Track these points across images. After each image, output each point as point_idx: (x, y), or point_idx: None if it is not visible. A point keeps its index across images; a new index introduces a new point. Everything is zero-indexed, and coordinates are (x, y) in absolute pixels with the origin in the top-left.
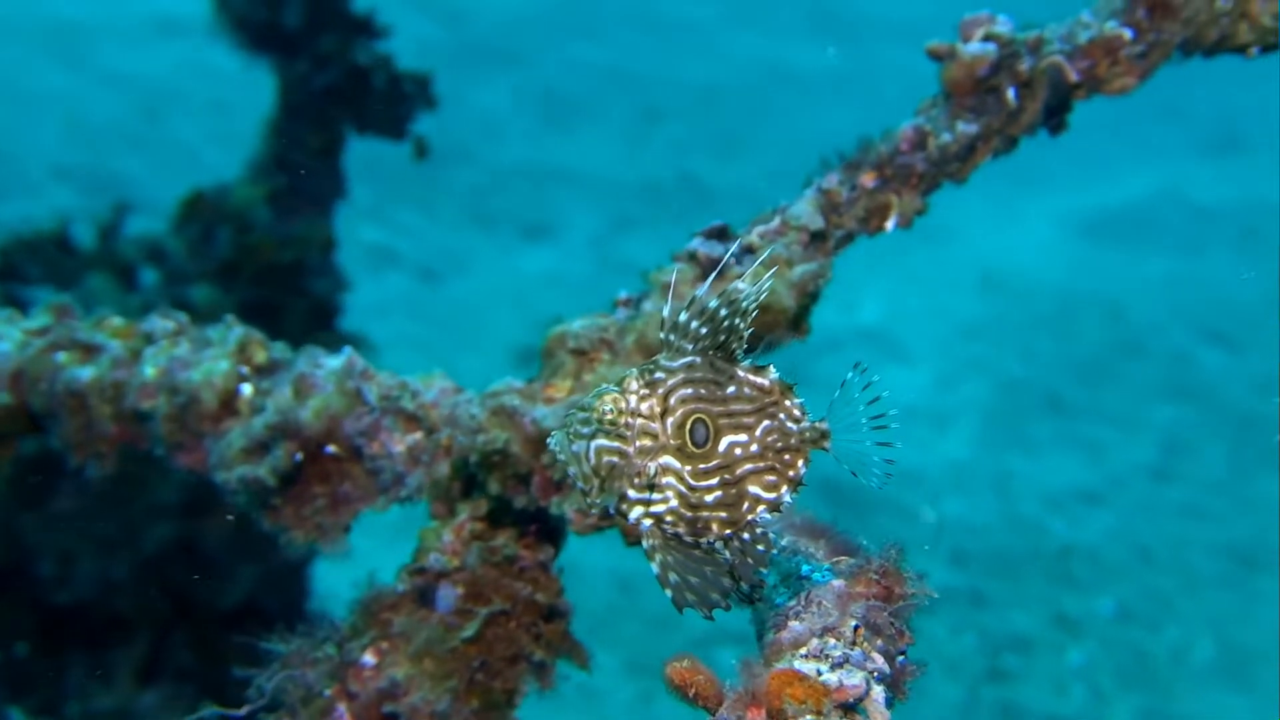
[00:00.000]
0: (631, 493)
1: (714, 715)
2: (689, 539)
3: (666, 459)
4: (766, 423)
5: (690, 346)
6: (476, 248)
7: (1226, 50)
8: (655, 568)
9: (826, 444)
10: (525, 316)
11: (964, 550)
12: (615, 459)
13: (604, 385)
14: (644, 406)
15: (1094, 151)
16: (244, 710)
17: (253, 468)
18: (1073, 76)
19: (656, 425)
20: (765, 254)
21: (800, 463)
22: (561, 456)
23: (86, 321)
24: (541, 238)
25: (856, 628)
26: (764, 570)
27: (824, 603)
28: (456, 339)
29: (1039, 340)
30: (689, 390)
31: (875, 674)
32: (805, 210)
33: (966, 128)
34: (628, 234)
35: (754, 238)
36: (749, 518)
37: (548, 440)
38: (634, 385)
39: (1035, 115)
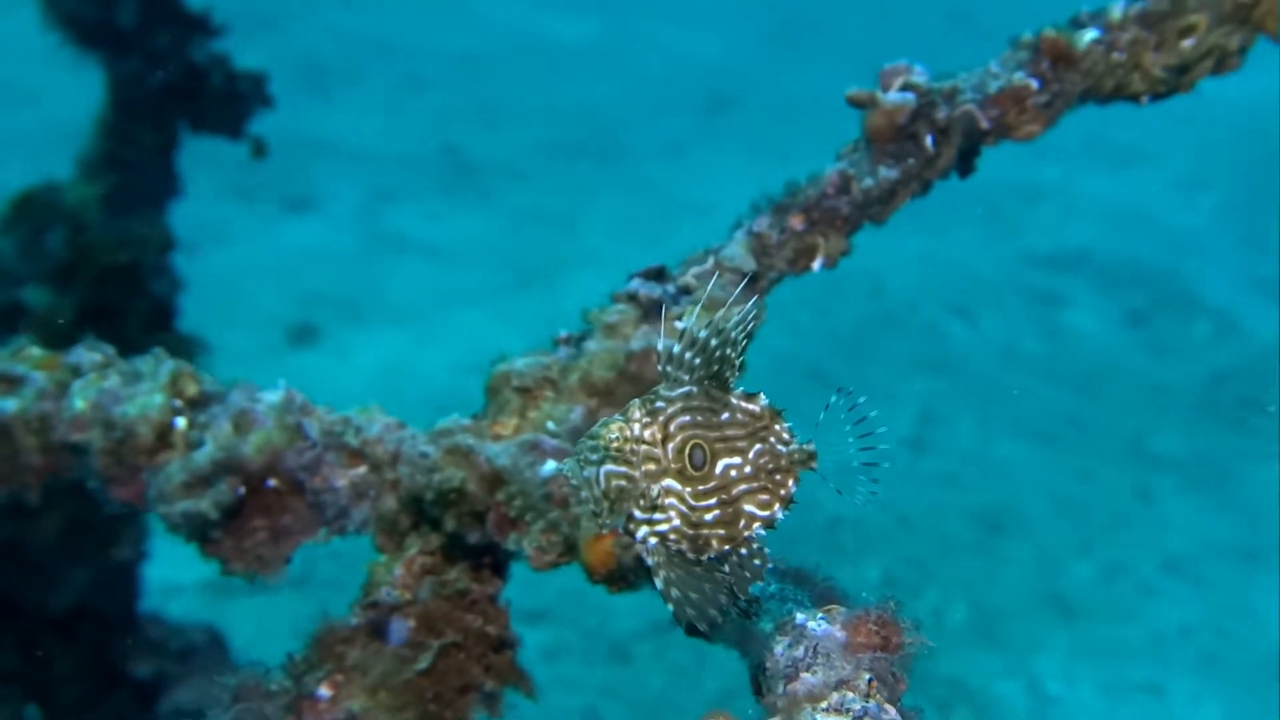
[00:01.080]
0: (638, 513)
1: None
2: (691, 555)
3: (669, 481)
4: (758, 446)
5: (686, 377)
6: (236, 220)
7: (1120, 98)
8: (659, 583)
9: (813, 464)
10: (289, 291)
11: None
12: (623, 483)
13: (611, 416)
14: (646, 434)
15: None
16: None
17: (195, 502)
18: (984, 124)
19: (659, 451)
20: (705, 293)
21: (790, 482)
22: (574, 481)
23: (3, 352)
24: (303, 210)
25: (870, 680)
26: (760, 584)
27: (830, 654)
28: (218, 314)
29: (803, 315)
30: (687, 418)
31: None
32: (738, 252)
33: (888, 173)
34: (391, 205)
35: (689, 279)
36: (745, 534)
37: (560, 465)
38: (637, 414)
39: (950, 160)
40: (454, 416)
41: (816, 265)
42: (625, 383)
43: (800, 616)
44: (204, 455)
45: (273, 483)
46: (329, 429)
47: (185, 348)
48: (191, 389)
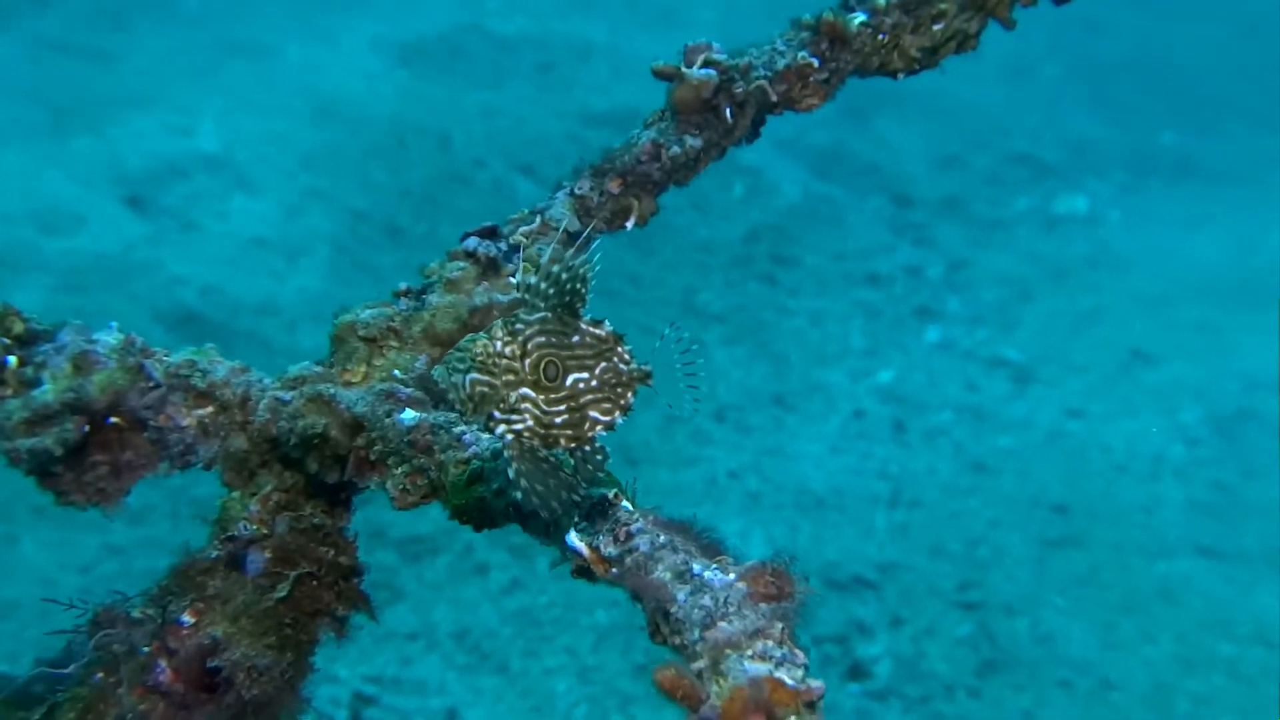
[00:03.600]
0: (497, 414)
1: (697, 714)
2: (542, 451)
3: (525, 390)
4: (603, 364)
5: (542, 304)
6: None
7: (882, 74)
8: (511, 473)
9: (650, 381)
10: None
11: None
12: (485, 389)
13: (476, 334)
14: (507, 350)
15: None
16: (36, 669)
17: (39, 439)
18: (773, 97)
19: (517, 365)
20: (586, 233)
21: (630, 395)
22: (443, 385)
23: None
24: None
25: (782, 629)
26: (601, 475)
27: (739, 604)
28: None
29: (375, 170)
30: (542, 339)
31: (804, 668)
32: (563, 213)
33: (693, 142)
34: None
35: (519, 237)
36: (589, 435)
37: (432, 372)
38: (499, 333)
39: (744, 129)
40: (305, 363)
41: (629, 224)
42: (467, 334)
43: (696, 566)
44: (45, 394)
45: (114, 420)
46: (174, 371)
47: None
48: (17, 327)
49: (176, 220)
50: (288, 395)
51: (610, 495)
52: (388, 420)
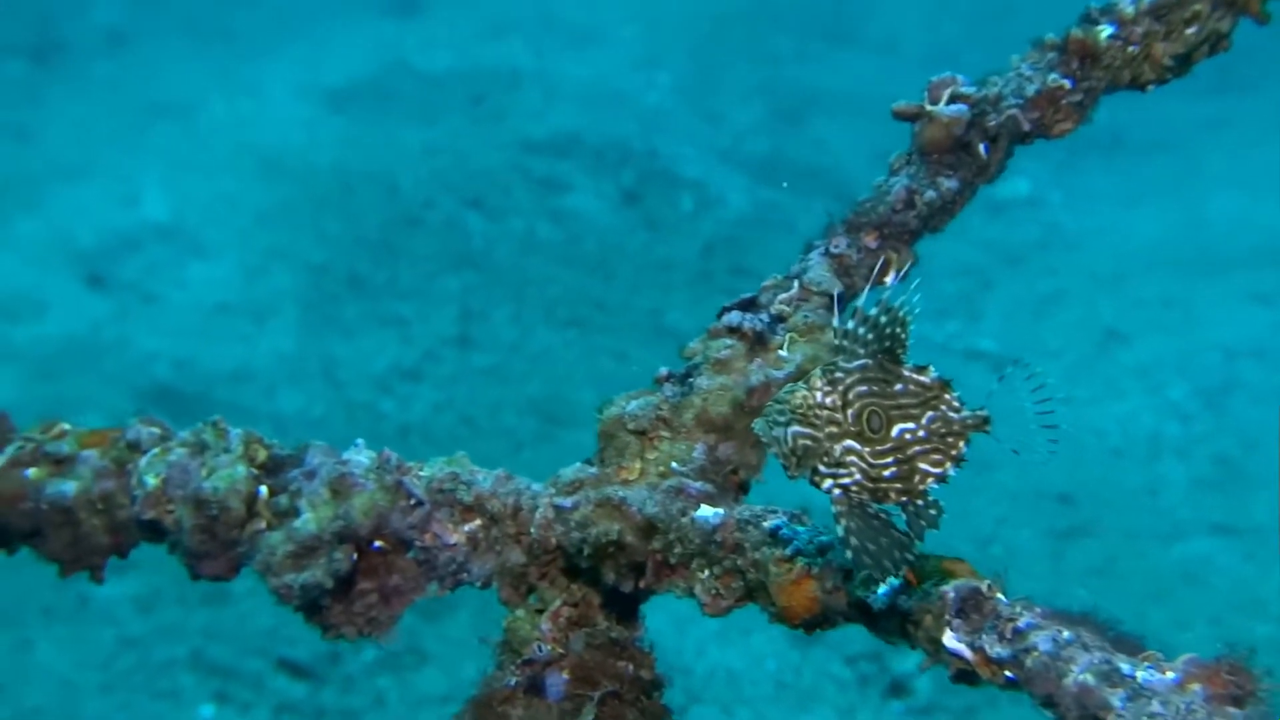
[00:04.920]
0: (823, 468)
1: None
2: (873, 507)
3: (849, 442)
4: (931, 413)
5: (861, 351)
6: None
7: (1132, 87)
8: (840, 530)
9: (987, 428)
10: None
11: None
12: (808, 442)
13: (794, 385)
14: (828, 400)
15: (292, 19)
16: None
17: (310, 572)
18: (1026, 126)
19: (839, 415)
20: (905, 270)
21: (961, 444)
22: (764, 439)
23: (30, 432)
24: None
25: None
26: (935, 530)
27: (1203, 711)
28: None
29: (328, 222)
30: (864, 387)
31: None
32: (823, 274)
33: (949, 184)
34: None
35: (780, 305)
36: (920, 488)
37: (752, 425)
38: (819, 383)
39: (998, 164)
40: (576, 465)
41: (890, 279)
42: (745, 418)
43: (1125, 667)
44: (308, 523)
45: (379, 544)
46: (437, 486)
47: None
48: (261, 454)
49: (137, 294)
50: (568, 502)
51: (983, 587)
52: (684, 519)
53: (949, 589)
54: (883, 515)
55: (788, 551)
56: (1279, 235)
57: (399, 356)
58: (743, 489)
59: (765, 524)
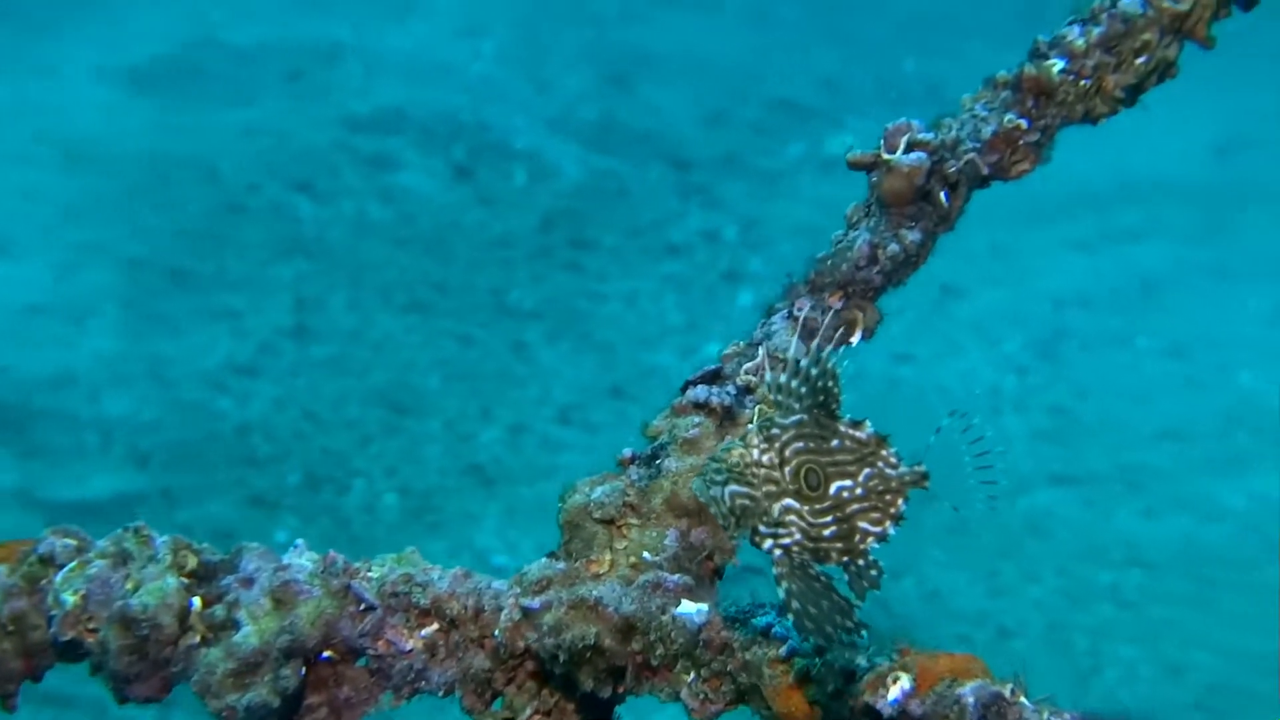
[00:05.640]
0: (763, 528)
1: None
2: (814, 568)
3: (788, 501)
4: (867, 470)
5: (797, 406)
6: None
7: (1084, 122)
8: (781, 593)
9: (926, 484)
10: None
11: (142, 450)
12: (746, 501)
13: (731, 441)
14: (765, 458)
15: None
16: None
17: (255, 692)
18: (985, 170)
19: (776, 474)
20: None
21: (900, 501)
22: (702, 499)
23: None
24: None
25: None
26: (876, 590)
27: None
28: None
29: (143, 213)
30: (800, 444)
31: None
32: (786, 340)
33: (912, 236)
34: None
35: (746, 376)
36: (861, 548)
37: (691, 485)
38: (755, 440)
39: (958, 210)
40: (542, 560)
41: (856, 339)
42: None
43: None
44: (249, 637)
45: (327, 654)
46: (390, 590)
47: None
48: (191, 562)
49: None
50: (536, 603)
51: (1005, 692)
52: (664, 617)
53: (965, 693)
54: (824, 578)
55: (782, 652)
56: (1095, 182)
57: (232, 351)
58: (718, 574)
59: (754, 620)
